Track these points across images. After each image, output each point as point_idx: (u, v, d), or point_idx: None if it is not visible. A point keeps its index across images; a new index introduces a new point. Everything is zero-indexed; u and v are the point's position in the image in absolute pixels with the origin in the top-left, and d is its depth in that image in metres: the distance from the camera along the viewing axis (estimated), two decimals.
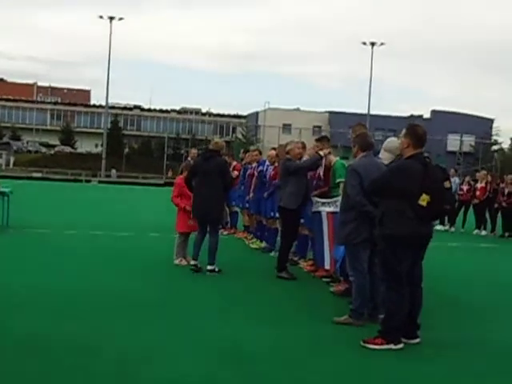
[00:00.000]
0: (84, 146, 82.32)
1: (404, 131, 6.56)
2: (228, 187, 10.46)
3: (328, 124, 71.81)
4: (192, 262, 10.01)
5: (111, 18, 61.80)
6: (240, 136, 72.09)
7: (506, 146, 78.22)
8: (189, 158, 16.46)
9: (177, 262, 10.49)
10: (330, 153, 9.72)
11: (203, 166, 10.02)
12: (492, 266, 13.28)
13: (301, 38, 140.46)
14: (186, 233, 10.71)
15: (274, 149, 13.47)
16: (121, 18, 62.41)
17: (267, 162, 13.08)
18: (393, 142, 7.54)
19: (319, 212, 9.55)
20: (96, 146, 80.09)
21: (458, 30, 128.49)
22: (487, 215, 20.19)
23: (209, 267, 9.84)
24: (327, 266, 9.72)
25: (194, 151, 18.17)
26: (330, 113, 75.17)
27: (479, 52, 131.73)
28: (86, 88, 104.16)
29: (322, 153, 9.58)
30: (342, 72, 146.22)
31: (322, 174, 9.74)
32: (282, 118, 68.92)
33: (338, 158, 9.57)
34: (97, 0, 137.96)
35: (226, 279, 9.53)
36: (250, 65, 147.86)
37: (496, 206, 19.62)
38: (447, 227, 20.29)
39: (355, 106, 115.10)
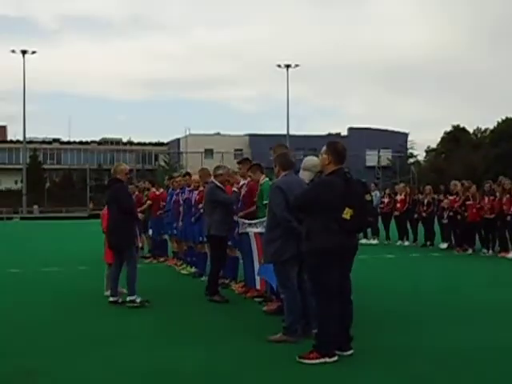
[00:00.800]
0: (3, 183, 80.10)
1: (324, 148, 6.72)
2: (125, 212, 9.59)
3: (249, 147, 72.40)
4: (111, 299, 9.68)
5: (24, 52, 60.89)
6: (163, 163, 71.85)
7: (421, 158, 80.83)
8: None
9: (107, 293, 10.17)
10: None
11: (106, 196, 10.18)
12: (417, 274, 13.68)
13: (216, 63, 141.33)
14: None
15: (189, 174, 13.63)
16: (34, 52, 61.59)
17: (188, 188, 13.16)
18: (311, 160, 7.71)
19: (247, 233, 9.67)
20: (16, 182, 78.03)
21: (369, 50, 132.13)
22: (408, 226, 20.81)
23: (128, 298, 9.55)
24: (258, 286, 9.83)
25: None
26: (251, 135, 75.88)
27: (390, 71, 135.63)
28: (2, 124, 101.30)
29: (235, 189, 10.26)
30: (260, 95, 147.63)
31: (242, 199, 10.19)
32: (203, 143, 69.19)
33: (266, 179, 9.48)
34: (8, 35, 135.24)
35: (158, 306, 9.48)
36: (169, 92, 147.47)
37: (416, 216, 20.25)
38: (371, 240, 20.84)
39: (275, 127, 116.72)
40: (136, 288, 9.53)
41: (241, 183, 10.59)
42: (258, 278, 9.94)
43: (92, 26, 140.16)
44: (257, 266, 9.81)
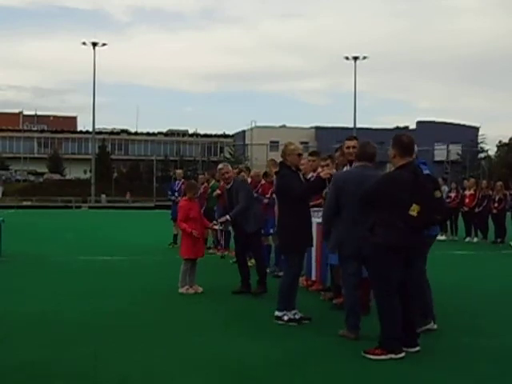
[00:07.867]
0: (73, 173, 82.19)
1: (391, 142, 6.58)
2: (296, 203, 7.75)
3: (315, 139, 72.10)
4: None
5: (94, 44, 62.24)
6: (228, 155, 72.28)
7: (492, 153, 78.88)
8: (177, 180, 16.63)
9: (182, 290, 9.67)
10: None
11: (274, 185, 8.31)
12: (484, 272, 13.35)
13: (283, 56, 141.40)
14: (192, 259, 9.84)
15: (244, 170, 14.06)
16: (104, 44, 62.86)
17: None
18: None
19: None
20: (85, 171, 79.97)
21: (438, 42, 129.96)
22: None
23: (276, 313, 7.84)
24: (313, 277, 9.76)
25: (179, 172, 18.37)
26: (317, 128, 75.53)
27: (461, 63, 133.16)
28: (73, 115, 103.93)
29: (322, 175, 7.83)
30: (326, 87, 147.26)
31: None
32: (269, 135, 69.30)
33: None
34: (79, 27, 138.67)
35: (221, 297, 9.49)
36: (235, 84, 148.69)
37: (476, 211, 19.70)
38: (439, 237, 20.27)
39: (341, 120, 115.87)
40: (289, 303, 7.79)
41: (309, 176, 10.35)
42: (313, 268, 9.86)
43: (162, 19, 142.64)
44: (314, 256, 9.71)
